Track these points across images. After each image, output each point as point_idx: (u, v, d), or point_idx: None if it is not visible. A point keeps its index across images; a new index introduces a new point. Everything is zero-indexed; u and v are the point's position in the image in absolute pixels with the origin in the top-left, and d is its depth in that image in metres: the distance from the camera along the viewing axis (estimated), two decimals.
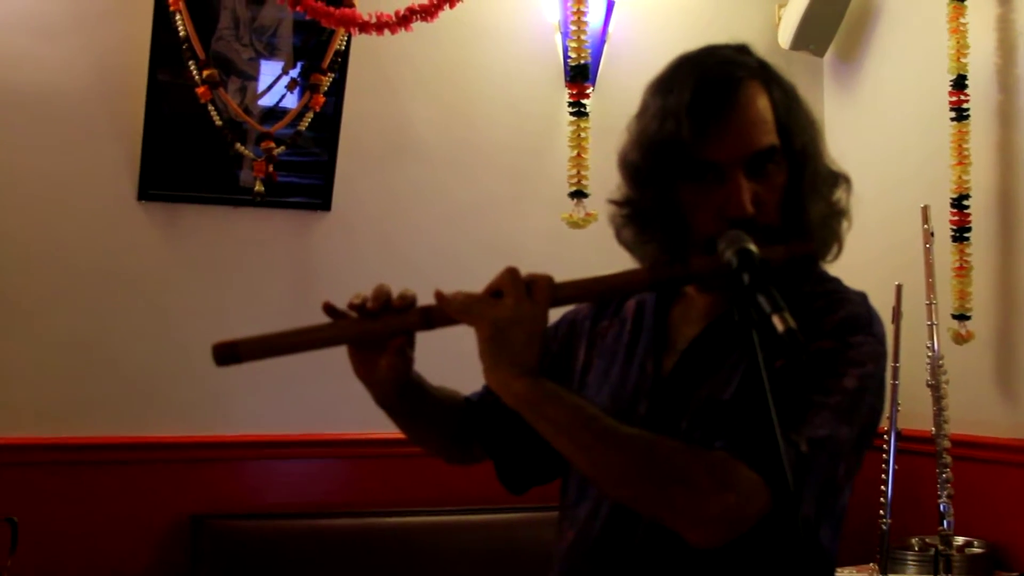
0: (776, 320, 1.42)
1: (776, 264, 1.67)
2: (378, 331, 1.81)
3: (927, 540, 3.97)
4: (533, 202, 4.44)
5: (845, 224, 1.81)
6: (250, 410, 4.11)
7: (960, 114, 4.06)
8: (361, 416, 4.12)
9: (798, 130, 1.76)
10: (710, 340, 1.80)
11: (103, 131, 3.95)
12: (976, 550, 3.92)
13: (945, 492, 3.60)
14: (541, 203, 4.40)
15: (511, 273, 1.72)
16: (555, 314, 1.92)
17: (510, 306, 1.69)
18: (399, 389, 1.89)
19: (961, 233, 4.06)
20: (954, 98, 4.07)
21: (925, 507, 3.88)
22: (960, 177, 4.05)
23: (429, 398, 1.97)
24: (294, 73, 4.04)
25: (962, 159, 4.05)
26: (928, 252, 3.71)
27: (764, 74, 1.77)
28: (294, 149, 4.07)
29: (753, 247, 1.58)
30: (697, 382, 1.78)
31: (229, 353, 1.79)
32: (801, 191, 1.75)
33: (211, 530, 3.97)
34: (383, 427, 4.12)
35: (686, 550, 1.64)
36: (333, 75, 4.05)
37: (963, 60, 4.05)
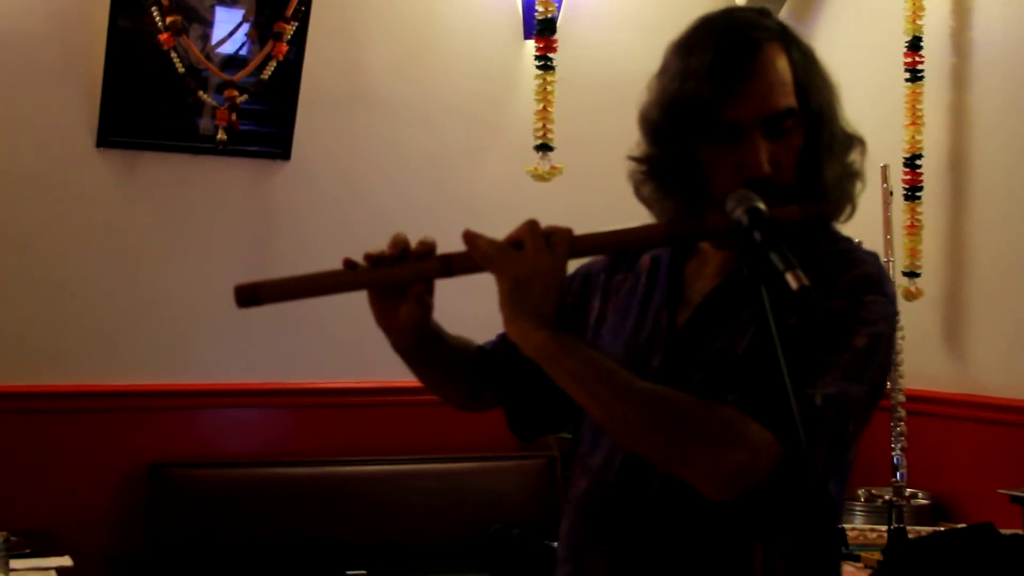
0: (790, 277, 1.45)
1: (790, 223, 1.71)
2: (399, 277, 1.82)
3: (873, 491, 4.08)
4: (493, 153, 4.46)
5: (859, 185, 1.85)
6: (208, 359, 4.11)
7: (915, 75, 4.14)
8: (318, 365, 4.20)
9: (815, 92, 1.80)
10: (725, 295, 1.83)
11: (62, 77, 3.91)
12: (922, 501, 4.03)
13: (899, 445, 3.69)
14: (501, 154, 4.43)
15: (531, 225, 1.74)
16: (570, 267, 1.95)
17: (530, 257, 1.71)
18: (418, 336, 1.91)
19: (913, 192, 4.15)
20: (909, 59, 4.15)
21: (871, 459, 3.97)
22: (913, 137, 4.13)
23: (445, 346, 1.98)
24: (255, 21, 4.01)
25: (915, 119, 4.13)
26: (887, 210, 3.78)
27: (784, 36, 1.80)
28: (255, 98, 4.04)
29: (762, 205, 1.61)
30: (711, 335, 1.81)
31: (250, 295, 1.79)
32: (817, 152, 1.79)
33: (169, 478, 3.98)
34: (340, 376, 4.19)
35: (701, 500, 1.68)
36: (296, 23, 4.02)
37: (919, 22, 4.12)
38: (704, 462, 1.65)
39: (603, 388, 1.69)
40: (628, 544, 1.82)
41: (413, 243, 1.82)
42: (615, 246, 1.88)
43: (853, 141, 1.85)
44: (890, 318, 1.78)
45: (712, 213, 1.75)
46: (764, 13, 1.83)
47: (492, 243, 1.74)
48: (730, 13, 1.83)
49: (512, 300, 1.72)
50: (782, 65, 1.77)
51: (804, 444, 1.49)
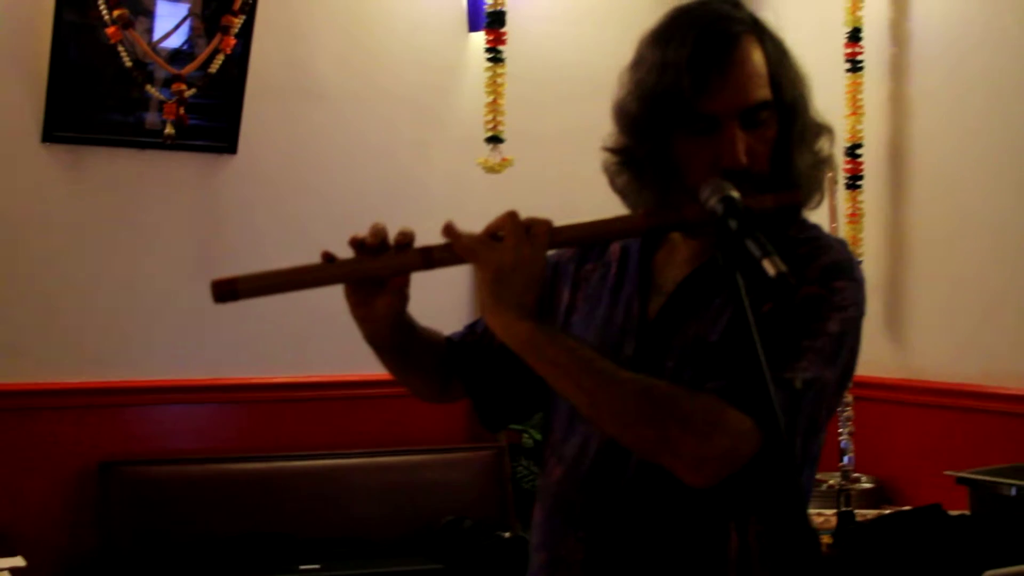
0: (767, 264, 1.48)
1: (764, 212, 1.74)
2: (378, 270, 1.81)
3: (817, 476, 4.14)
4: (440, 145, 4.47)
5: (828, 174, 1.89)
6: (158, 355, 4.09)
7: (855, 65, 4.21)
8: (268, 360, 4.19)
9: (788, 84, 1.83)
10: (697, 283, 1.85)
11: (7, 72, 3.87)
12: (865, 485, 4.09)
13: (846, 430, 3.76)
14: (448, 146, 4.44)
15: (511, 217, 1.75)
16: None
17: (511, 249, 1.72)
18: (393, 327, 1.91)
19: (854, 181, 4.23)
20: (849, 50, 4.22)
21: None
22: (854, 127, 4.21)
23: (416, 337, 1.98)
24: (201, 15, 3.99)
25: (856, 109, 4.21)
26: (832, 199, 3.85)
27: (757, 29, 1.84)
28: (201, 91, 4.02)
29: (735, 194, 1.64)
30: (684, 323, 1.83)
31: (227, 290, 1.75)
32: (790, 142, 1.82)
33: (120, 476, 3.96)
34: (290, 371, 4.18)
35: (677, 485, 1.71)
36: (243, 17, 4.01)
37: (858, 13, 4.19)
38: (687, 449, 1.67)
39: (586, 377, 1.71)
40: (605, 530, 1.84)
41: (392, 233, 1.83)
42: (594, 237, 1.89)
43: (822, 130, 1.89)
44: (860, 304, 1.82)
45: (688, 203, 1.78)
46: (736, 5, 1.86)
47: (472, 236, 1.76)
48: (705, 5, 1.84)
49: (494, 292, 1.72)
50: (757, 58, 1.80)
51: (783, 430, 1.52)
